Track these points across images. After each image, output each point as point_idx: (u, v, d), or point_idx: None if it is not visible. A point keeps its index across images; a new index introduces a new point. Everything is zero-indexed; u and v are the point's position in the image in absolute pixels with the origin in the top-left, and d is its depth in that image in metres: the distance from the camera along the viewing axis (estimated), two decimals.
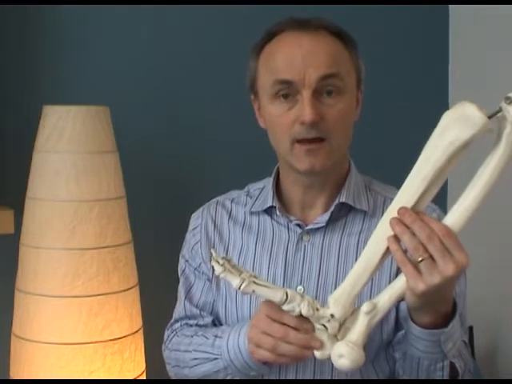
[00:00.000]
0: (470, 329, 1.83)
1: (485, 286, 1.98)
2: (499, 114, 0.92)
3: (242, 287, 1.01)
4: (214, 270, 1.06)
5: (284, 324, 1.04)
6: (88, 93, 1.86)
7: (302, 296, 1.03)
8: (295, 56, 1.16)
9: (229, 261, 1.06)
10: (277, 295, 1.02)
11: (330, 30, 1.20)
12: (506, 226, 2.00)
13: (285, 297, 1.02)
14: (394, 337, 1.21)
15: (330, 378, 1.19)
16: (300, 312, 1.02)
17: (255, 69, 1.23)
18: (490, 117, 0.91)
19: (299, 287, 1.22)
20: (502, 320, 2.04)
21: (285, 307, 1.02)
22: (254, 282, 1.02)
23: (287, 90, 1.16)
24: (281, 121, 1.18)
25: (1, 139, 1.79)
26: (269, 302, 1.06)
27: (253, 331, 1.10)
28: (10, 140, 1.79)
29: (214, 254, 1.06)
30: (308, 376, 1.21)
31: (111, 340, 1.51)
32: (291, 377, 1.21)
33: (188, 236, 1.36)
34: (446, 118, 0.95)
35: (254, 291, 1.02)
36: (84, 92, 1.86)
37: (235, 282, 1.02)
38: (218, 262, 1.04)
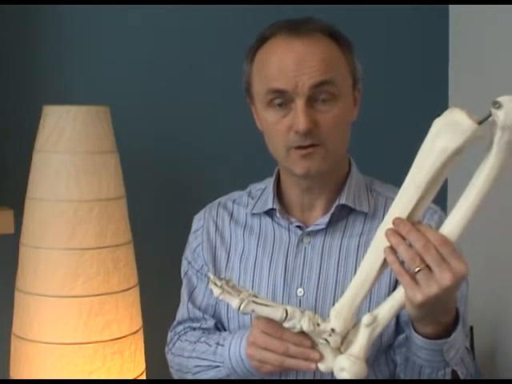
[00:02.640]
0: (470, 329, 1.83)
1: (485, 287, 1.98)
2: (490, 119, 0.91)
3: (241, 308, 1.01)
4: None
5: (284, 340, 1.04)
6: (88, 93, 1.86)
7: (302, 312, 1.02)
8: (287, 63, 1.14)
9: (227, 281, 1.06)
10: (277, 313, 1.02)
11: (324, 32, 1.17)
12: (506, 226, 2.00)
13: (285, 314, 1.01)
14: (394, 340, 1.21)
15: (330, 378, 1.19)
16: (301, 328, 1.01)
17: (249, 74, 1.22)
18: (480, 123, 0.90)
19: (299, 289, 1.22)
20: (502, 320, 2.04)
21: (285, 324, 1.02)
22: (254, 302, 1.02)
23: (281, 99, 1.15)
24: (276, 128, 1.17)
25: (1, 139, 1.79)
26: (264, 319, 1.05)
27: (252, 349, 1.10)
28: (10, 140, 1.79)
29: (211, 277, 1.07)
30: (308, 376, 1.20)
31: (111, 340, 1.51)
32: (291, 377, 1.21)
33: (190, 238, 1.36)
34: (437, 126, 0.93)
35: (253, 310, 1.02)
36: (84, 92, 1.86)
37: (234, 302, 1.02)
38: (216, 285, 1.04)
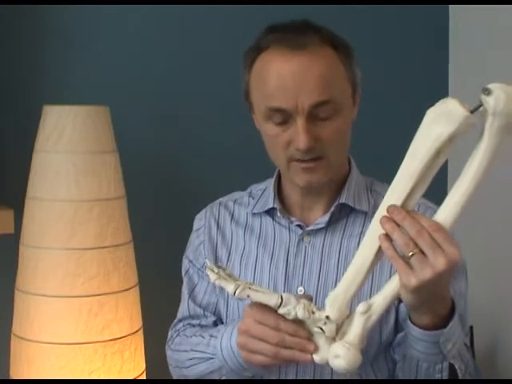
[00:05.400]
0: (470, 329, 1.83)
1: (485, 286, 1.98)
2: (481, 108, 0.92)
3: (237, 292, 1.01)
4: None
5: (279, 330, 1.03)
6: (88, 93, 1.86)
7: (298, 299, 1.02)
8: (286, 82, 1.12)
9: (224, 269, 1.06)
10: (272, 299, 1.01)
11: (321, 41, 1.15)
12: (506, 226, 2.00)
13: (280, 300, 1.01)
14: (393, 339, 1.21)
15: (330, 378, 1.19)
16: (296, 315, 1.01)
17: (248, 83, 1.20)
18: (472, 111, 0.92)
19: (300, 288, 1.22)
20: (502, 320, 2.04)
21: (280, 311, 1.01)
22: (249, 288, 1.02)
23: (280, 116, 1.14)
24: (276, 141, 1.16)
25: (1, 139, 1.79)
26: (258, 308, 1.04)
27: (243, 338, 1.08)
28: (10, 140, 1.80)
29: (208, 264, 1.07)
30: (308, 376, 1.20)
31: (111, 340, 1.51)
32: (291, 377, 1.21)
33: (192, 237, 1.36)
34: (430, 115, 0.96)
35: (249, 296, 1.02)
36: (84, 92, 1.86)
37: (230, 287, 1.02)
38: (213, 271, 1.04)
